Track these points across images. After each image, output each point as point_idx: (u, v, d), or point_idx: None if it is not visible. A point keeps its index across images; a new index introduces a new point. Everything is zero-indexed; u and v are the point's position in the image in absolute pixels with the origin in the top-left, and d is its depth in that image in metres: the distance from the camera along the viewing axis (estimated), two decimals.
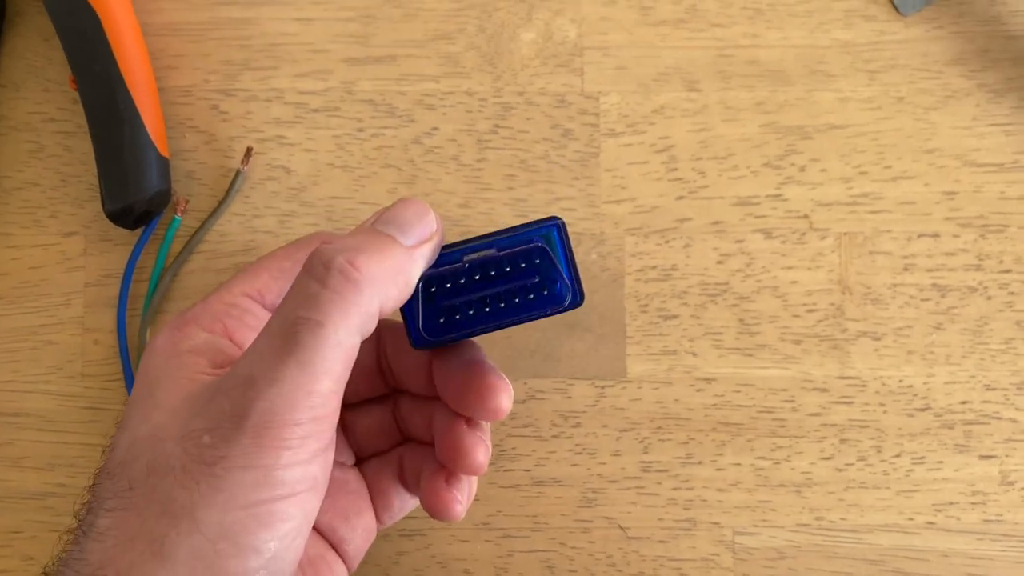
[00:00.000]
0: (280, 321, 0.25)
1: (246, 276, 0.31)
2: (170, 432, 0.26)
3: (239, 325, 0.30)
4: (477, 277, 0.28)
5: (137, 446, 0.27)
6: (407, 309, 0.28)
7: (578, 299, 0.28)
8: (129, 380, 0.38)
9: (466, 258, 0.28)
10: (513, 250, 0.28)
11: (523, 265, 0.28)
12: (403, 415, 0.33)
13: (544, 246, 0.28)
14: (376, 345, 0.33)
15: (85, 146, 0.39)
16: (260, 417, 0.24)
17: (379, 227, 0.27)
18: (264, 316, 0.31)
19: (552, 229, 0.28)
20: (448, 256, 0.29)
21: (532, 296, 0.28)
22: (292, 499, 0.25)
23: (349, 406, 0.33)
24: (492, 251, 0.28)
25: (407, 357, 0.32)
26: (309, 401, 0.25)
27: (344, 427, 0.34)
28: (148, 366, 0.29)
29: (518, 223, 0.29)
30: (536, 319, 0.29)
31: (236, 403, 0.25)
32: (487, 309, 0.28)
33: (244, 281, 0.31)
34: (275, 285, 0.31)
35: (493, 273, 0.28)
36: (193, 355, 0.29)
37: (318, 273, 0.25)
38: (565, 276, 0.28)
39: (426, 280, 0.28)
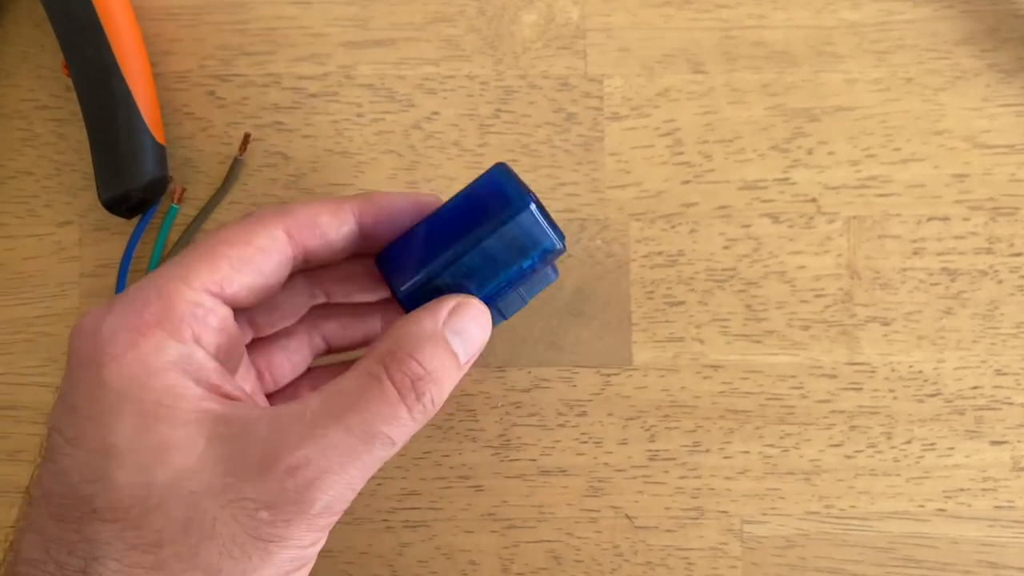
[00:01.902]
0: (363, 426, 0.27)
1: (204, 265, 0.29)
2: (202, 484, 0.26)
3: (204, 327, 0.29)
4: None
5: (158, 494, 0.26)
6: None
7: (562, 245, 0.30)
8: None
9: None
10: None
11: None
12: (328, 333, 0.34)
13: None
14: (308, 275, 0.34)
15: (79, 134, 0.38)
16: (323, 508, 0.27)
17: (449, 336, 0.29)
18: (225, 313, 0.29)
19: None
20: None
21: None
22: (308, 566, 0.28)
23: (262, 344, 0.34)
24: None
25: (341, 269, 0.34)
26: (351, 496, 0.28)
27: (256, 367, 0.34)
28: (115, 376, 0.27)
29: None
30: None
31: (303, 488, 0.26)
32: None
33: (203, 272, 0.29)
34: (237, 277, 0.29)
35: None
36: (176, 374, 0.27)
37: (409, 400, 0.28)
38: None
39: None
